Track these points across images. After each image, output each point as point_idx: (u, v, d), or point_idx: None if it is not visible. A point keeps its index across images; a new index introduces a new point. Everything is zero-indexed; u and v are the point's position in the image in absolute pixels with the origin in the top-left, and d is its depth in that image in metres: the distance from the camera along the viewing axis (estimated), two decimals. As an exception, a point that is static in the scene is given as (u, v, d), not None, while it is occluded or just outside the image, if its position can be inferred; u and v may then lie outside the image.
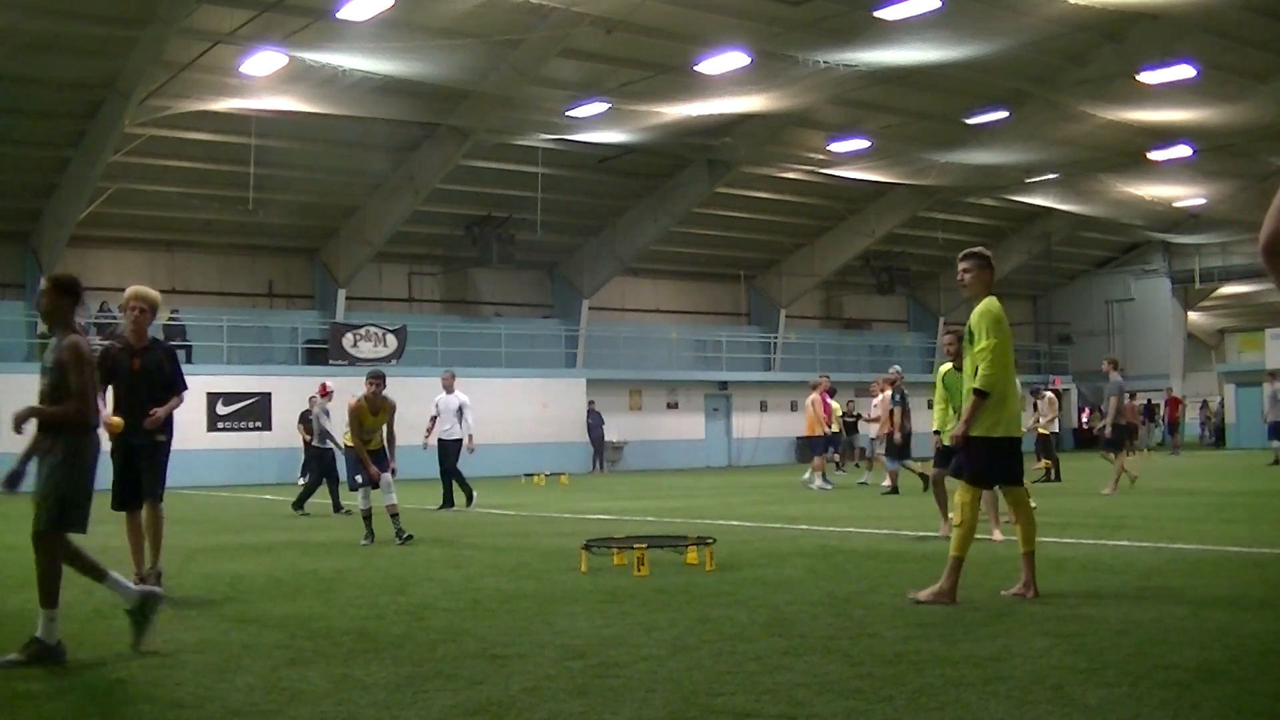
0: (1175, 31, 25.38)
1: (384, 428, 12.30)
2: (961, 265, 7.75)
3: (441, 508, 17.30)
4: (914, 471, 19.24)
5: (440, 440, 17.58)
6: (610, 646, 5.97)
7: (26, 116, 25.31)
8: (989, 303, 7.55)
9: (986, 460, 7.47)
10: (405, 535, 11.94)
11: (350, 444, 12.28)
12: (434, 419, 17.73)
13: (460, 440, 17.53)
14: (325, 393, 17.87)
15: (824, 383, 21.96)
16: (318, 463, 17.62)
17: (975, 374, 7.47)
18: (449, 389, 17.79)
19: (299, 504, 17.08)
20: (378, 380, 12.24)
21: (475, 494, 17.78)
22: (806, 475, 22.05)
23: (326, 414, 17.48)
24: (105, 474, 7.85)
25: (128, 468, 8.32)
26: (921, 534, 11.80)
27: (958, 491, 7.61)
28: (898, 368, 19.97)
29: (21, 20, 21.10)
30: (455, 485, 17.63)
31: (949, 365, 11.05)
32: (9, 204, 28.19)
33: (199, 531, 14.12)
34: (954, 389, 10.61)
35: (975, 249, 7.87)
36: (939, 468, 11.37)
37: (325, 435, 17.30)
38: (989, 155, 32.46)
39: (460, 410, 17.53)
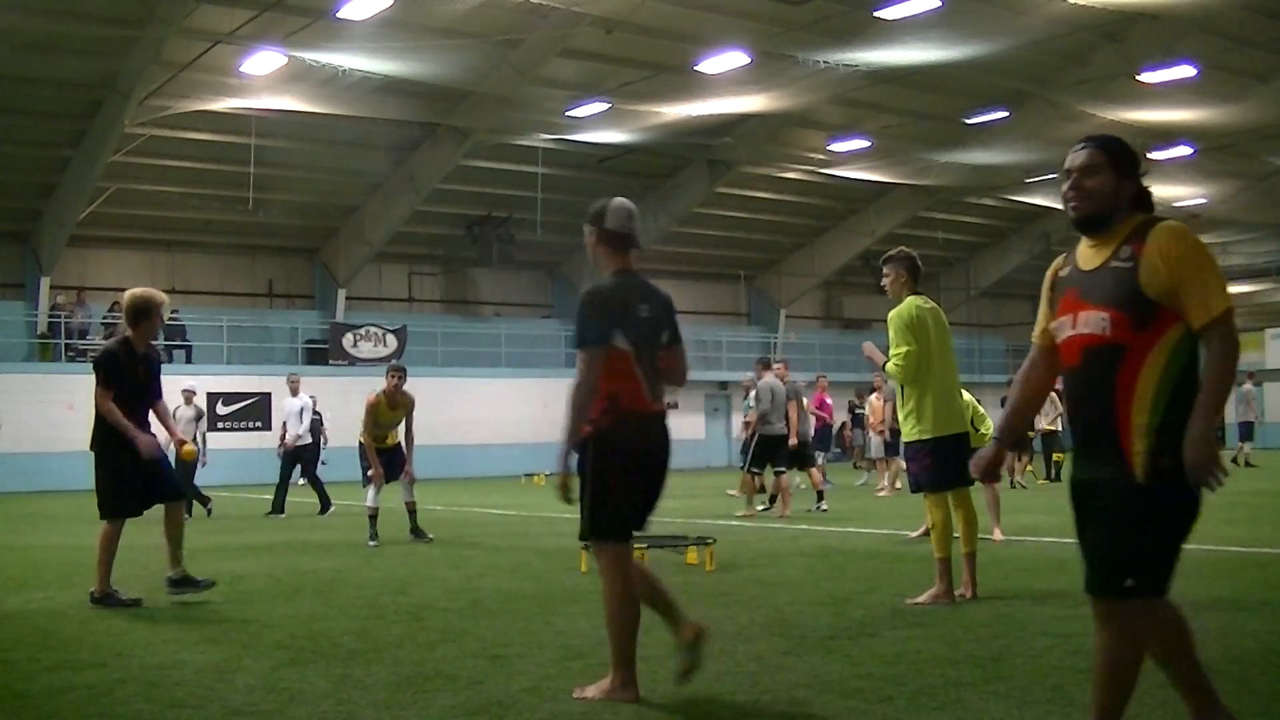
0: (1175, 31, 25.37)
1: (403, 425, 12.33)
2: (884, 270, 7.77)
3: (321, 511, 16.88)
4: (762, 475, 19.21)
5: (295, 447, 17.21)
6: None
7: (26, 116, 25.29)
8: (904, 305, 7.63)
9: (933, 463, 7.45)
10: (426, 536, 11.95)
11: (361, 440, 12.28)
12: (285, 424, 17.45)
13: (309, 445, 17.20)
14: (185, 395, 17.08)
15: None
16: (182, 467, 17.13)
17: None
18: (294, 392, 17.40)
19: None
20: (399, 374, 12.19)
21: (332, 505, 17.11)
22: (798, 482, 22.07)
23: (173, 416, 16.92)
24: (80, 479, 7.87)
25: (135, 476, 7.75)
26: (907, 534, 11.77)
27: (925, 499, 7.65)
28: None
29: (21, 20, 21.09)
30: (313, 490, 17.24)
31: None
32: (9, 204, 28.18)
33: (199, 531, 14.10)
34: None
35: (895, 252, 7.89)
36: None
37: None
38: (989, 155, 32.43)
39: (300, 413, 17.02)
